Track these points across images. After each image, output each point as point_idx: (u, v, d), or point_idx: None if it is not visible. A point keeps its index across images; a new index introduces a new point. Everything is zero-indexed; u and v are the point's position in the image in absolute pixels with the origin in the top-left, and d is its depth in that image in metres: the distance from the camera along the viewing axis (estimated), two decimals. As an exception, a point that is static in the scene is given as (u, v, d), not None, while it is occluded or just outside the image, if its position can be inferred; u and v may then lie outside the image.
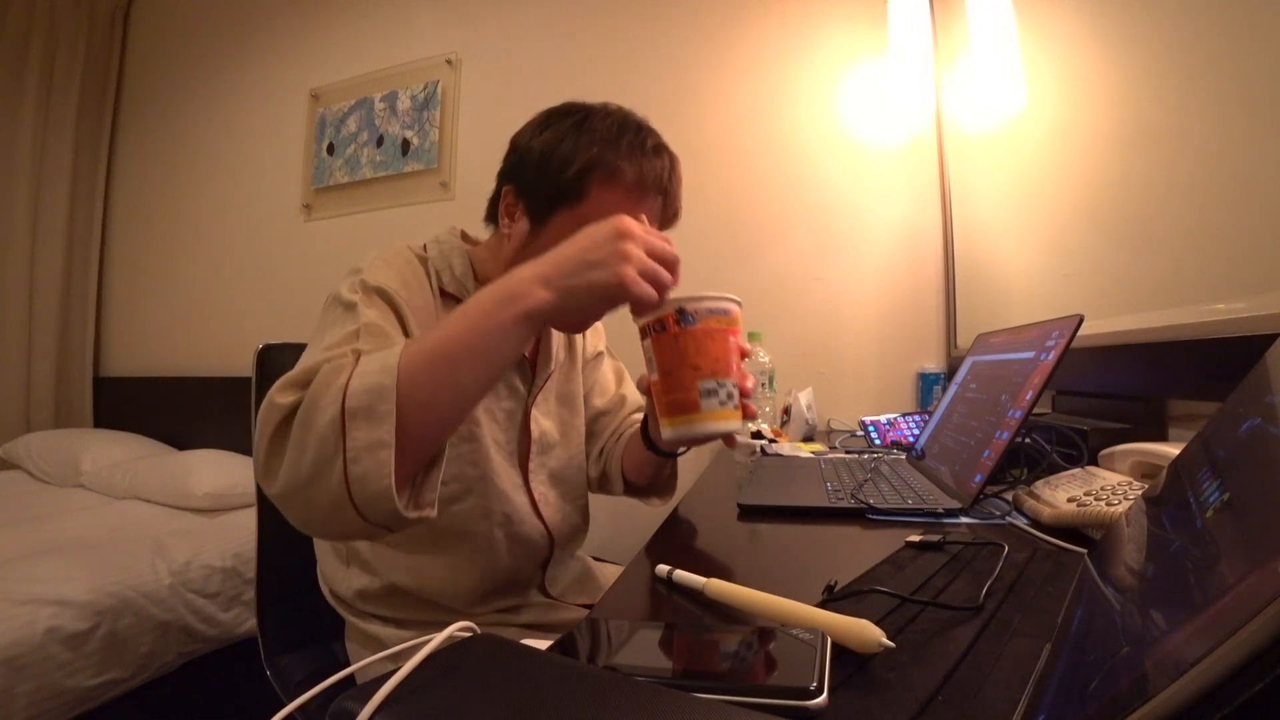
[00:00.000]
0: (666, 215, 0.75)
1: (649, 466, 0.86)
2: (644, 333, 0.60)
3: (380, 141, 2.19)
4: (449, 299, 0.73)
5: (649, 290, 0.54)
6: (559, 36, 1.99)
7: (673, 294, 0.57)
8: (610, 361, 1.00)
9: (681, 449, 0.83)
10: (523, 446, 0.81)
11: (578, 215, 0.68)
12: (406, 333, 0.64)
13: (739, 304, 0.60)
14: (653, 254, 0.55)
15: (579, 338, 0.93)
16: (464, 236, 0.82)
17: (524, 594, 0.81)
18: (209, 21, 2.61)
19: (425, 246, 0.77)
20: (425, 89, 2.13)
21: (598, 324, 0.94)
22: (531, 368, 0.82)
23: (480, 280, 0.76)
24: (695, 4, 1.84)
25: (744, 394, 0.60)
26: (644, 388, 0.67)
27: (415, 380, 0.50)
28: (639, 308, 0.56)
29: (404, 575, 0.75)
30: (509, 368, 0.77)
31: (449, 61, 2.11)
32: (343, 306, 0.63)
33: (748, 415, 0.60)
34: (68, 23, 2.55)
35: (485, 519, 0.75)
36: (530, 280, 0.53)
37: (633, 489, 0.91)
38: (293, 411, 0.50)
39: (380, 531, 0.51)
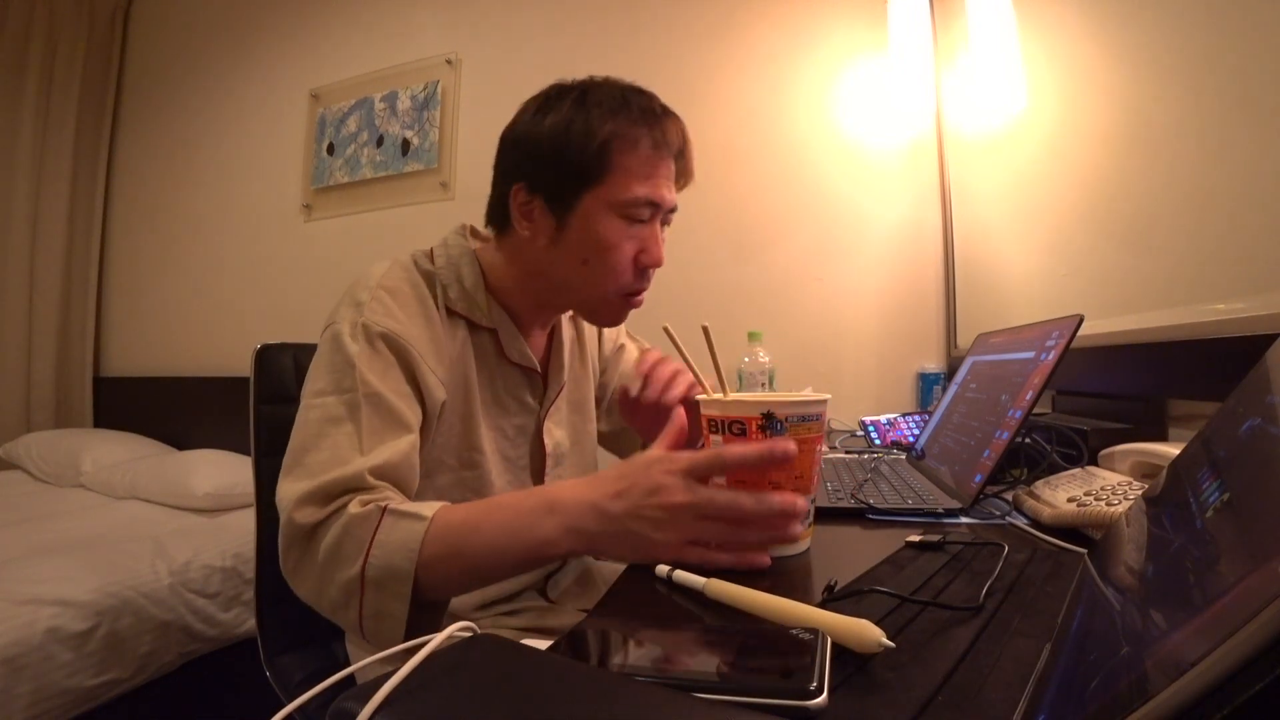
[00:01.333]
0: (684, 177, 0.73)
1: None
2: (714, 428, 0.52)
3: (380, 141, 2.19)
4: (455, 318, 0.71)
5: (695, 560, 0.47)
6: (559, 36, 1.99)
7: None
8: (633, 346, 0.98)
9: None
10: (536, 461, 0.79)
11: (603, 194, 0.66)
12: (414, 379, 0.63)
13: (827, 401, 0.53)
14: (710, 511, 0.47)
15: (590, 340, 0.91)
16: (473, 233, 0.79)
17: (523, 598, 0.80)
18: (209, 21, 2.60)
19: (431, 254, 0.74)
20: (425, 89, 2.13)
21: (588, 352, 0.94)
22: (543, 380, 0.79)
23: (490, 289, 0.73)
24: (695, 4, 1.84)
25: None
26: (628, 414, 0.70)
27: (433, 568, 0.52)
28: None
29: None
30: (517, 381, 0.76)
31: (449, 61, 2.11)
32: (342, 358, 0.61)
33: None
34: (68, 23, 2.55)
35: None
36: (569, 530, 0.51)
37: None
38: (313, 530, 0.54)
39: None
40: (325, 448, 0.58)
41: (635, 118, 0.66)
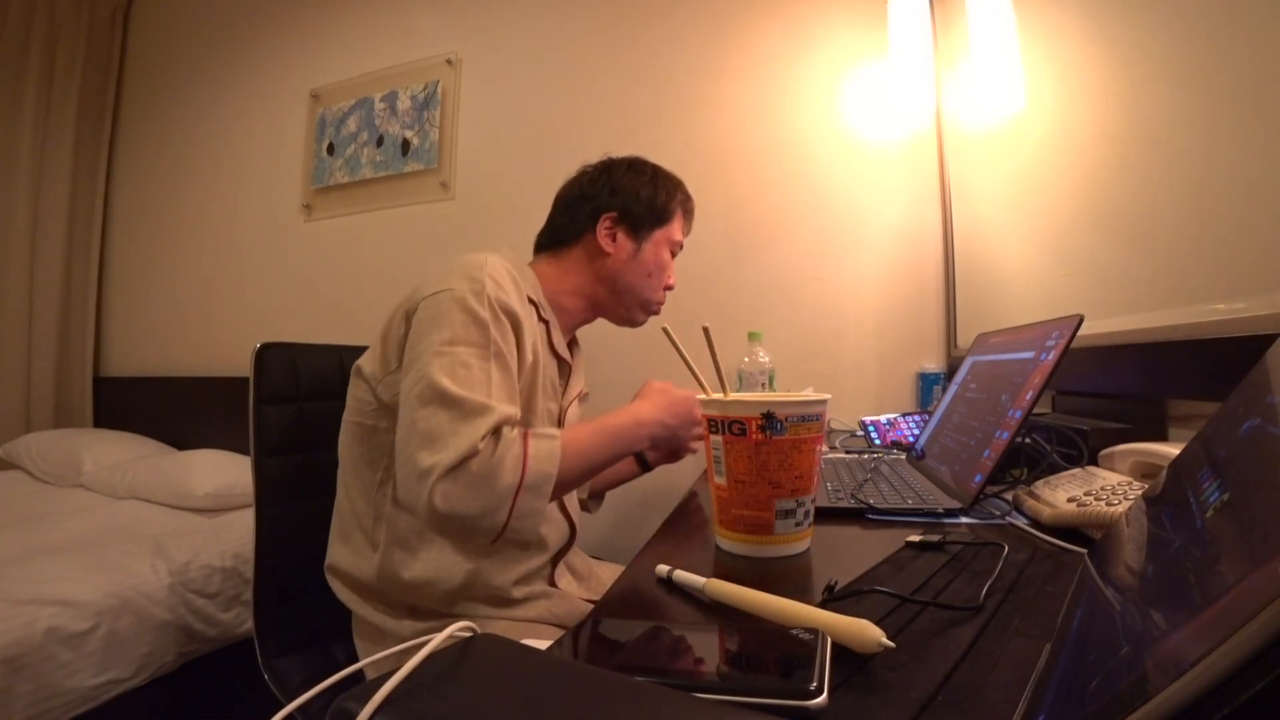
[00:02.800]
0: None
1: (624, 476, 1.11)
2: (714, 428, 0.55)
3: (380, 141, 2.19)
4: (530, 305, 0.85)
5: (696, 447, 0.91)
6: (559, 37, 1.99)
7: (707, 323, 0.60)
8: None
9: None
10: None
11: (665, 233, 0.95)
12: (520, 346, 0.78)
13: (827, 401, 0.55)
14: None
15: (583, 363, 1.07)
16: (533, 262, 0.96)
17: (531, 585, 0.84)
18: (209, 21, 2.60)
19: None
20: (425, 89, 2.13)
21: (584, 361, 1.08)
22: (569, 376, 0.94)
23: (547, 294, 0.90)
24: (696, 5, 1.83)
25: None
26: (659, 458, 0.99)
27: (565, 474, 0.72)
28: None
29: (436, 568, 0.78)
30: (557, 371, 0.91)
31: (449, 61, 2.11)
32: (473, 319, 0.73)
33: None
34: (68, 23, 2.55)
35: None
36: (644, 436, 0.82)
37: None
38: (473, 454, 0.66)
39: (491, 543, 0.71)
40: (474, 390, 0.70)
41: (684, 194, 0.98)
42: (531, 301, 0.84)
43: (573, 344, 0.99)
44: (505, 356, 0.74)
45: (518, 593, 0.81)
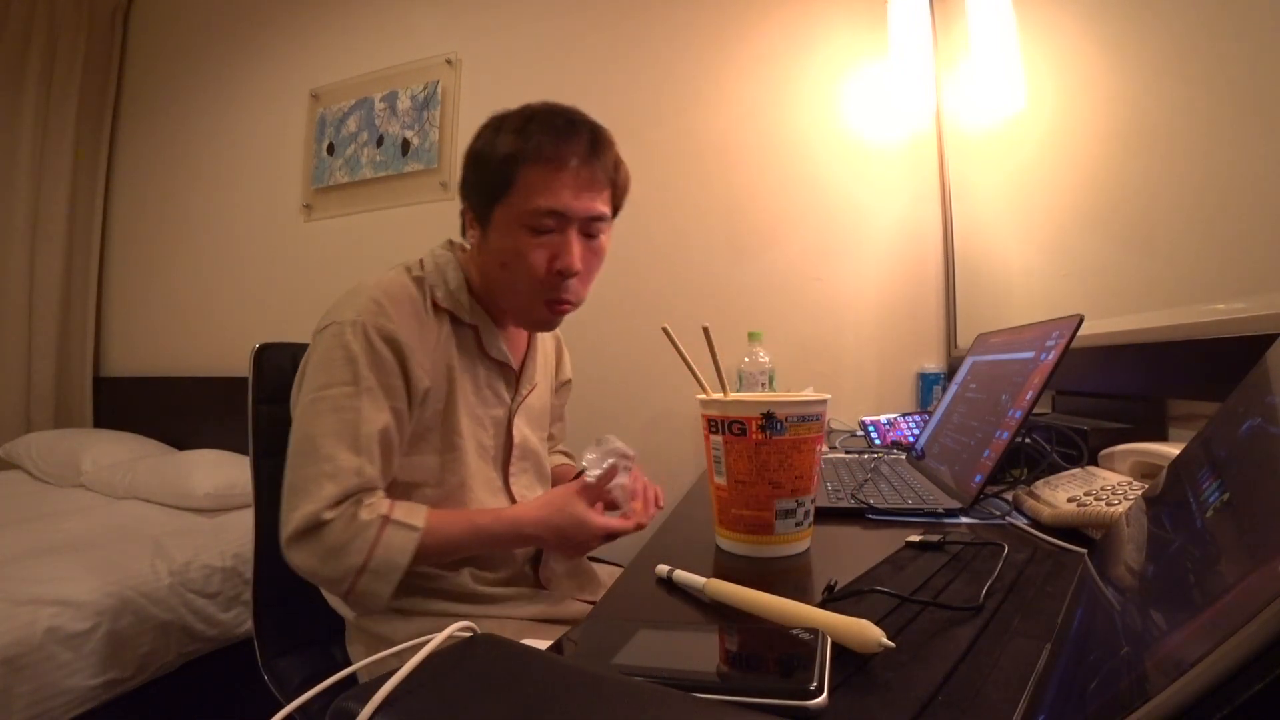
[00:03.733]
0: (607, 186, 0.77)
1: None
2: (714, 428, 0.54)
3: (380, 141, 2.19)
4: (441, 313, 0.79)
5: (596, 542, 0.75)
6: (559, 36, 1.99)
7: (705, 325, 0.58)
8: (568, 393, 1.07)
9: None
10: (505, 451, 0.85)
11: (509, 208, 0.73)
12: (408, 376, 0.73)
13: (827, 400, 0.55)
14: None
15: (555, 363, 1.00)
16: (459, 247, 0.86)
17: (520, 586, 0.83)
18: (209, 21, 2.60)
19: (421, 263, 0.81)
20: (425, 89, 2.13)
21: (566, 352, 1.04)
22: (516, 378, 0.87)
23: (472, 289, 0.81)
24: (696, 4, 1.83)
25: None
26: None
27: (421, 562, 0.70)
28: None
29: None
30: (495, 376, 0.84)
31: (449, 61, 2.11)
32: (346, 357, 0.70)
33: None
34: (68, 23, 2.55)
35: None
36: (528, 538, 0.75)
37: None
38: (325, 523, 0.67)
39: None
40: (339, 444, 0.68)
41: (532, 133, 0.72)
42: (445, 310, 0.78)
43: (532, 344, 0.90)
44: (377, 391, 0.70)
45: (497, 592, 0.79)
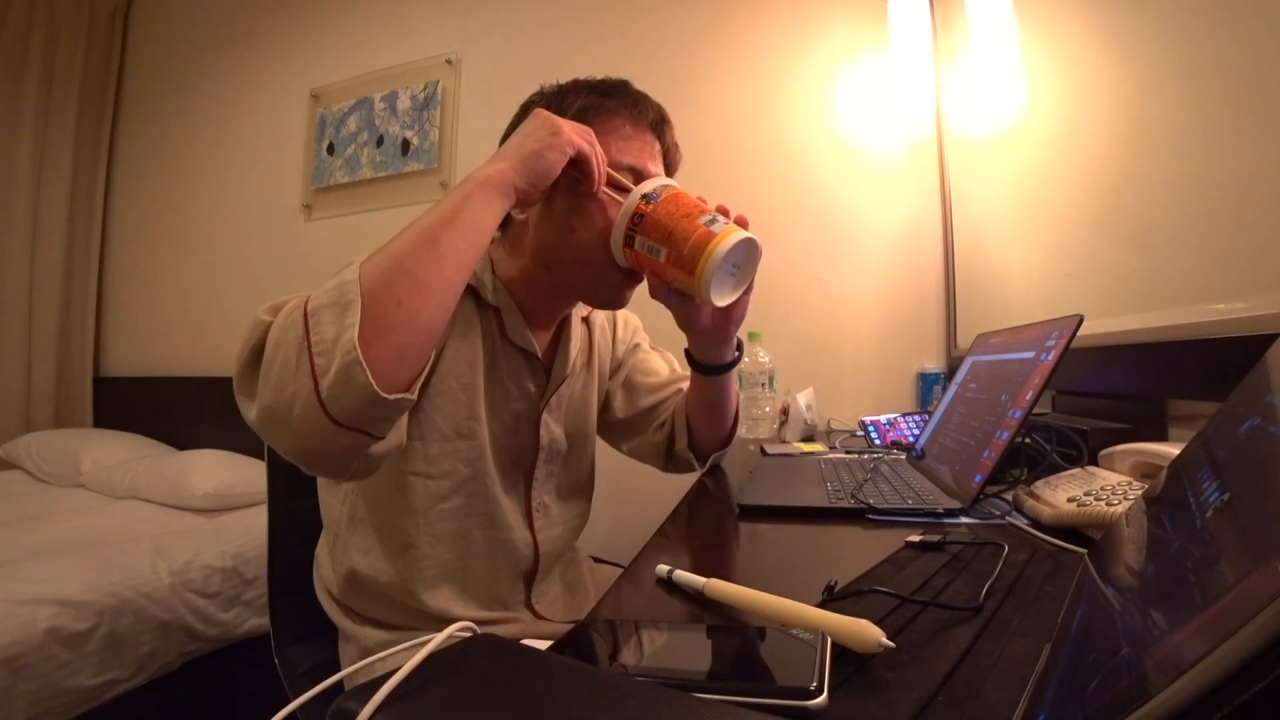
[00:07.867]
0: (669, 164, 0.78)
1: (705, 394, 0.84)
2: (629, 240, 0.65)
3: (380, 141, 2.19)
4: (464, 293, 0.69)
5: (582, 139, 0.62)
6: (559, 36, 1.99)
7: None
8: (656, 351, 0.97)
9: (726, 361, 0.80)
10: (529, 452, 0.78)
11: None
12: None
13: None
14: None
15: (602, 345, 0.89)
16: None
17: (509, 608, 0.78)
18: (209, 21, 2.60)
19: None
20: (425, 89, 2.13)
21: (631, 320, 0.95)
22: (546, 371, 0.78)
23: (499, 277, 0.74)
24: (695, 3, 1.83)
25: (724, 214, 0.67)
26: (661, 291, 0.70)
27: (380, 265, 0.56)
28: (584, 165, 0.63)
29: (379, 561, 0.71)
30: (519, 367, 0.76)
31: (449, 61, 2.11)
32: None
33: (743, 224, 0.68)
34: (68, 23, 2.55)
35: (467, 517, 0.73)
36: (485, 167, 0.62)
37: (696, 442, 0.88)
38: (246, 349, 0.54)
39: (358, 438, 0.52)
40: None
41: (607, 91, 0.71)
42: (469, 287, 0.70)
43: (561, 335, 0.80)
44: None
45: (488, 614, 0.74)
